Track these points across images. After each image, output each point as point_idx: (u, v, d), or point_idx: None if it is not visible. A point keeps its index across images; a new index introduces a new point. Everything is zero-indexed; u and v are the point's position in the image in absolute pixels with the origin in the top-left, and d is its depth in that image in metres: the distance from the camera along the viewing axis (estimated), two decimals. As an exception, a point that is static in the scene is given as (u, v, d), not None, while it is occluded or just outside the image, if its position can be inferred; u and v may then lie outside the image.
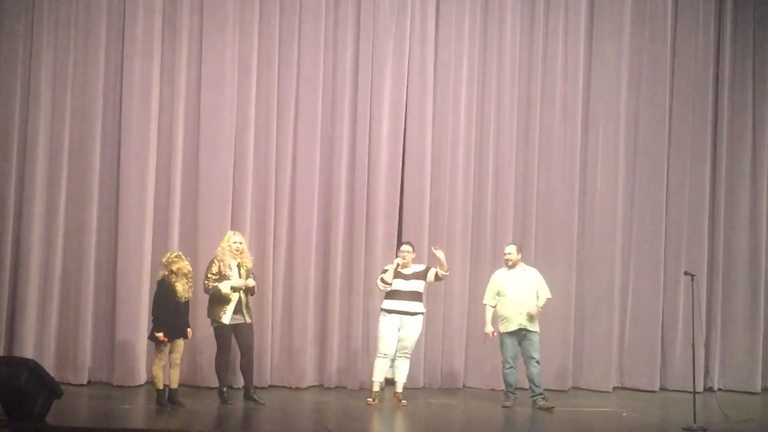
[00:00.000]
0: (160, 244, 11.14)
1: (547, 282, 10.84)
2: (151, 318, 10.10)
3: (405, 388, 10.70)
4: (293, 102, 11.69)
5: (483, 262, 11.94)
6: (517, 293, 10.63)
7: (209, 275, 10.19)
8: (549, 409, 10.48)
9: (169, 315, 9.83)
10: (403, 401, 10.53)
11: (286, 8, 11.68)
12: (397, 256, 10.64)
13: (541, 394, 10.62)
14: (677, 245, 12.44)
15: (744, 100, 12.75)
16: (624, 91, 12.46)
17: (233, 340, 10.32)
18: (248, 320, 10.31)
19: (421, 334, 10.83)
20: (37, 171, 11.03)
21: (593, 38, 12.48)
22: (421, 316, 10.57)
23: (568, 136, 12.32)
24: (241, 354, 10.36)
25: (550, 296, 10.80)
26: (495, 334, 10.67)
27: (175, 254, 10.10)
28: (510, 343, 10.63)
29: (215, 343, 10.35)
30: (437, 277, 10.65)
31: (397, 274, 10.47)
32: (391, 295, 10.45)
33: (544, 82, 12.33)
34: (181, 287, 9.90)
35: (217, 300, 10.17)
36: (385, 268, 10.62)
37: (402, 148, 11.95)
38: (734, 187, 12.64)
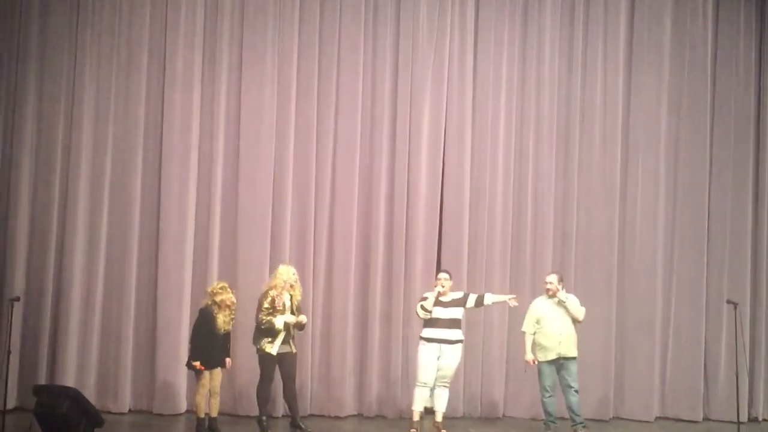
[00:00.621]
0: (200, 274, 11.24)
1: (587, 311, 10.73)
2: (189, 346, 10.15)
3: (444, 417, 10.62)
4: (332, 132, 11.77)
5: (522, 291, 11.84)
6: (557, 322, 10.56)
7: (264, 307, 10.20)
8: None
9: (208, 345, 9.88)
10: (443, 430, 10.47)
11: (325, 39, 11.78)
12: (435, 285, 10.62)
13: (582, 423, 10.52)
14: (719, 274, 12.30)
15: (785, 126, 12.64)
16: (664, 120, 12.39)
17: (276, 369, 10.35)
18: (293, 350, 10.34)
19: (460, 363, 10.78)
20: (78, 201, 11.19)
21: (632, 67, 12.42)
22: (460, 344, 10.53)
23: (607, 165, 12.27)
24: (284, 382, 10.38)
25: (581, 319, 10.67)
26: (535, 362, 10.60)
27: (221, 285, 10.16)
28: (548, 371, 10.55)
29: (257, 370, 10.39)
30: (478, 303, 10.61)
31: (437, 302, 10.43)
32: (431, 323, 10.41)
33: (583, 111, 12.30)
34: (222, 319, 9.95)
35: (267, 332, 10.19)
36: (425, 295, 10.59)
37: (441, 177, 11.96)
38: (776, 214, 12.50)
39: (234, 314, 10.15)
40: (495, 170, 12.08)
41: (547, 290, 10.71)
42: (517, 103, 12.23)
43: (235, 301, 10.14)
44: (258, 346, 10.27)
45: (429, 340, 10.39)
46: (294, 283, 10.36)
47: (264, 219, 11.48)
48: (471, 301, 10.59)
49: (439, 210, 11.94)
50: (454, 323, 10.46)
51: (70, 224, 11.18)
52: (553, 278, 10.75)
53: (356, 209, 11.74)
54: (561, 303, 10.56)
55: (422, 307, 10.40)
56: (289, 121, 11.65)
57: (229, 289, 10.13)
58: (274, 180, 11.57)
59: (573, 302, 10.63)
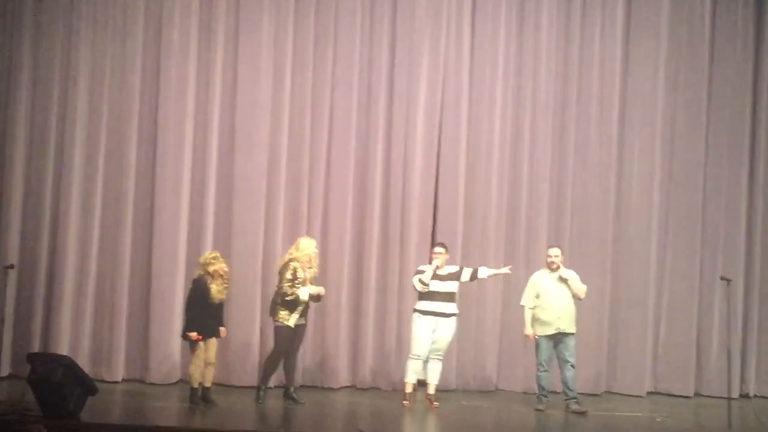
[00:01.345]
0: (195, 243, 11.23)
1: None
2: (184, 317, 10.15)
3: (437, 390, 10.68)
4: (328, 102, 11.73)
5: (516, 264, 11.85)
6: (557, 297, 10.56)
7: (287, 278, 10.15)
8: (582, 413, 10.42)
9: (202, 315, 9.88)
10: (435, 403, 10.52)
11: (321, 9, 11.72)
12: (432, 258, 10.60)
13: (574, 398, 10.56)
14: (713, 249, 12.32)
15: (783, 101, 12.63)
16: (661, 94, 12.36)
17: None
18: (305, 321, 10.40)
19: (454, 336, 10.80)
20: (73, 169, 11.17)
21: (630, 40, 12.38)
22: (455, 317, 10.55)
23: (603, 138, 12.24)
24: (290, 353, 10.36)
25: (582, 296, 10.69)
26: (534, 336, 10.60)
27: (213, 255, 10.13)
28: (546, 345, 10.55)
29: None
30: (473, 277, 10.63)
31: (434, 276, 10.44)
32: (427, 296, 10.42)
33: (580, 84, 12.26)
34: (215, 288, 9.94)
35: (289, 304, 10.16)
36: (420, 268, 10.59)
37: (436, 149, 11.94)
38: (772, 190, 12.51)
39: (227, 283, 10.13)
40: (491, 144, 12.05)
41: (551, 263, 10.65)
42: (514, 77, 12.19)
43: (227, 270, 10.12)
44: (275, 318, 10.25)
45: (425, 312, 10.40)
46: (314, 257, 10.34)
47: (258, 189, 11.46)
48: (466, 275, 10.60)
49: (434, 182, 11.93)
50: (450, 296, 10.48)
51: (64, 192, 11.15)
52: (558, 252, 10.71)
53: (351, 180, 11.72)
54: (562, 279, 10.55)
55: (420, 280, 10.40)
56: (284, 91, 11.60)
57: (221, 259, 10.11)
58: (269, 150, 11.53)
59: (574, 279, 10.63)
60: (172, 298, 11.06)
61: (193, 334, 9.80)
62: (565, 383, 10.57)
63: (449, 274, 10.54)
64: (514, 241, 12.02)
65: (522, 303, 10.74)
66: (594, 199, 12.18)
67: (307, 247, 10.34)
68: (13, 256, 10.99)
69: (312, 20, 11.69)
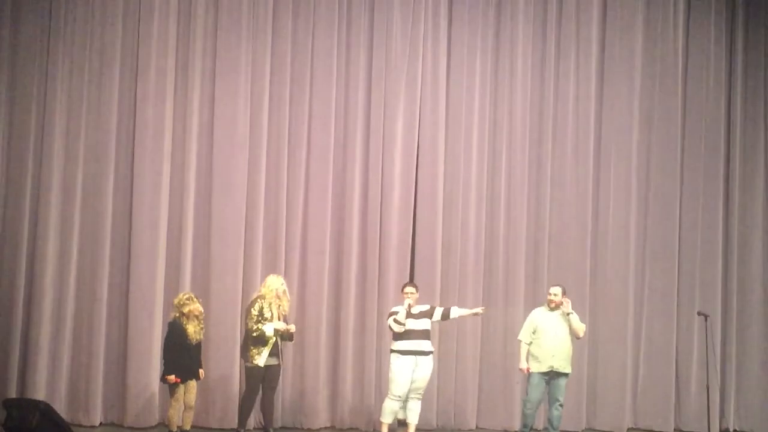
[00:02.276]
0: (173, 285, 11.15)
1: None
2: (162, 361, 10.08)
3: (417, 429, 10.64)
4: (305, 142, 11.73)
5: (495, 301, 11.93)
6: (553, 335, 10.48)
7: (252, 314, 10.15)
8: None
9: (181, 357, 9.81)
10: (416, 442, 10.51)
11: (298, 48, 11.75)
12: (404, 297, 10.55)
13: None
14: (690, 285, 12.40)
15: (756, 137, 12.78)
16: (636, 131, 12.49)
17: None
18: (280, 362, 10.32)
19: (432, 374, 10.76)
20: (50, 212, 11.06)
21: (604, 78, 12.52)
22: (432, 355, 10.52)
23: (579, 175, 12.33)
24: (263, 393, 10.34)
25: (581, 335, 10.62)
26: (528, 371, 10.53)
27: (187, 296, 10.08)
28: (538, 383, 10.44)
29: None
30: (444, 316, 10.61)
31: (407, 315, 10.40)
32: (404, 336, 10.37)
33: (555, 122, 12.36)
34: (192, 329, 9.88)
35: (256, 341, 10.14)
36: (394, 309, 10.58)
37: (414, 187, 11.97)
38: (747, 226, 12.62)
39: (202, 323, 10.08)
40: (468, 181, 12.10)
41: (550, 302, 10.62)
42: (489, 114, 12.28)
43: (202, 311, 10.07)
44: (245, 358, 10.23)
45: (404, 352, 10.35)
46: (282, 294, 10.31)
47: (237, 229, 11.42)
48: (437, 314, 10.59)
49: (412, 220, 11.95)
50: (425, 334, 10.46)
51: (41, 235, 11.05)
52: (557, 290, 10.65)
53: (329, 219, 11.71)
54: (565, 315, 10.48)
55: (395, 320, 10.37)
56: (261, 130, 11.60)
57: (195, 299, 10.05)
58: (247, 190, 11.51)
59: (575, 318, 10.60)
60: (150, 341, 10.97)
61: (171, 377, 9.73)
62: (551, 421, 10.51)
63: (421, 312, 10.52)
64: (492, 279, 12.05)
65: (519, 338, 10.64)
66: (571, 236, 12.24)
67: (272, 283, 10.34)
68: (-11, 300, 10.90)
69: (288, 59, 11.72)
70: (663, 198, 12.47)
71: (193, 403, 9.94)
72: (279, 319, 10.24)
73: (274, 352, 10.21)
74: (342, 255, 11.72)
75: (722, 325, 12.36)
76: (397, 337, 10.41)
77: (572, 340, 10.56)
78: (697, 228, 12.46)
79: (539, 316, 10.64)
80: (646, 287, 12.38)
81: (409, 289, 10.58)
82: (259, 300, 10.23)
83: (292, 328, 10.35)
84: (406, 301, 10.45)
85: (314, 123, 11.78)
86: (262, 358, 10.13)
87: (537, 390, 10.47)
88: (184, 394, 9.87)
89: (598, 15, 12.52)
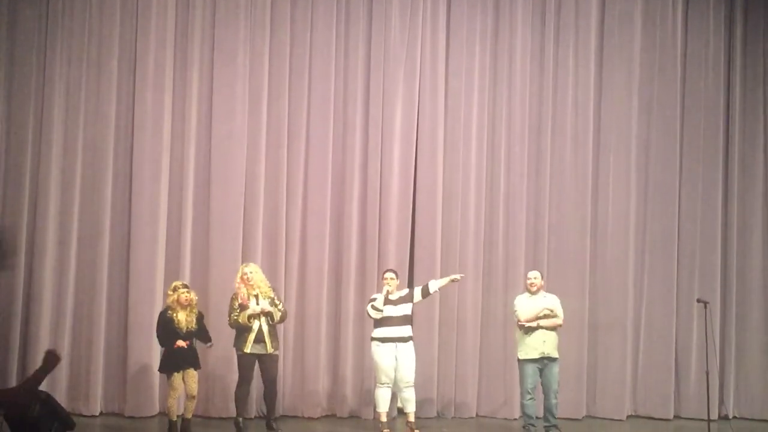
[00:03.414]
0: (172, 275, 11.16)
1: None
2: (161, 351, 10.17)
3: (417, 417, 10.66)
4: (304, 132, 11.75)
5: (495, 290, 11.94)
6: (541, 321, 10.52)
7: (232, 310, 10.24)
8: None
9: (172, 346, 9.87)
10: (416, 430, 10.49)
11: (296, 39, 11.77)
12: (383, 284, 10.51)
13: (555, 425, 10.51)
14: (690, 272, 12.39)
15: (755, 126, 12.73)
16: (635, 119, 12.47)
17: (257, 372, 10.35)
18: (271, 350, 10.27)
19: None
20: (49, 203, 11.11)
21: (603, 67, 12.50)
22: (412, 341, 10.49)
23: (579, 164, 12.33)
24: (265, 385, 10.40)
25: (561, 323, 10.67)
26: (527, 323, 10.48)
27: (172, 287, 10.13)
28: (531, 372, 10.44)
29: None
30: (424, 294, 10.58)
31: (386, 302, 10.40)
32: (383, 322, 10.34)
33: (554, 110, 12.36)
34: (183, 318, 9.91)
35: (240, 330, 10.21)
36: (373, 297, 10.59)
37: (413, 177, 11.98)
38: (747, 213, 12.59)
39: (196, 311, 10.08)
40: (467, 170, 12.10)
41: (530, 285, 10.61)
42: (489, 104, 12.27)
43: (193, 298, 10.06)
44: (236, 347, 10.29)
45: (384, 339, 10.33)
46: (251, 278, 10.26)
47: (236, 220, 11.45)
48: (417, 294, 10.58)
49: (411, 210, 11.96)
50: (405, 320, 10.45)
51: (40, 226, 11.09)
52: (537, 274, 10.68)
53: (329, 210, 11.73)
54: (537, 318, 10.46)
55: (373, 307, 10.37)
56: (260, 122, 11.62)
57: (180, 288, 10.04)
58: (246, 181, 11.54)
59: (555, 306, 10.56)
60: (150, 332, 10.92)
61: (181, 342, 9.78)
62: (549, 410, 10.49)
63: (400, 297, 10.49)
64: (491, 268, 12.05)
65: (520, 321, 10.56)
66: (571, 224, 12.24)
67: (239, 271, 10.37)
68: (-11, 292, 10.94)
69: (287, 51, 11.74)
70: (662, 186, 12.46)
71: (194, 392, 9.97)
72: (257, 304, 10.25)
73: (260, 339, 10.18)
74: (342, 244, 11.74)
75: (722, 312, 12.34)
76: (377, 324, 10.39)
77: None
78: (697, 216, 12.45)
79: (523, 302, 10.62)
80: (646, 275, 12.38)
81: (388, 274, 10.55)
82: (233, 297, 10.32)
83: (265, 307, 10.20)
84: (385, 288, 10.44)
85: (313, 113, 11.80)
86: (248, 344, 10.15)
87: (531, 379, 10.46)
88: (184, 383, 9.90)
89: (597, 3, 12.50)
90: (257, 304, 10.22)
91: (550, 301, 10.63)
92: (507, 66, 12.31)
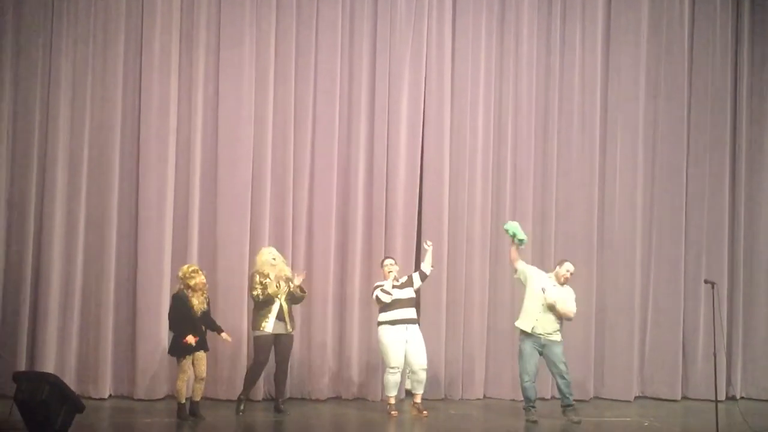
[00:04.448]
0: (180, 257, 11.18)
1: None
2: (171, 334, 10.17)
3: (425, 399, 10.74)
4: (310, 114, 11.73)
5: (502, 272, 11.91)
6: (545, 303, 10.45)
7: (255, 285, 10.35)
8: (577, 423, 10.38)
9: (187, 329, 9.88)
10: (424, 412, 10.56)
11: (302, 21, 11.73)
12: (387, 273, 10.65)
13: (570, 405, 10.49)
14: (697, 253, 12.38)
15: (762, 107, 12.70)
16: (642, 100, 12.43)
17: (272, 352, 10.42)
18: (290, 330, 10.41)
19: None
20: (56, 186, 11.12)
21: (610, 48, 12.46)
22: (418, 324, 10.68)
23: (586, 145, 12.30)
24: (277, 365, 10.46)
25: (571, 317, 10.62)
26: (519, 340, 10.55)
27: (192, 269, 10.14)
28: (529, 351, 10.42)
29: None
30: (422, 277, 10.77)
31: (392, 286, 10.60)
32: (391, 306, 10.50)
33: (561, 91, 12.32)
34: (196, 301, 9.95)
35: (260, 307, 10.32)
36: (378, 284, 10.70)
37: (420, 158, 11.96)
38: (754, 194, 12.58)
39: (207, 295, 10.14)
40: (474, 152, 12.08)
41: (564, 278, 10.57)
42: (495, 85, 12.24)
43: (206, 282, 10.14)
44: (255, 327, 10.38)
45: (394, 322, 10.48)
46: (274, 262, 10.41)
47: (243, 203, 11.45)
48: (417, 279, 10.81)
49: (418, 192, 11.95)
50: (411, 302, 10.68)
51: (48, 209, 11.10)
52: (572, 268, 10.62)
53: (335, 192, 11.72)
54: (550, 306, 10.44)
55: (383, 290, 10.51)
56: (267, 104, 11.60)
57: (200, 271, 10.13)
58: (252, 164, 11.53)
59: (567, 300, 10.52)
60: (158, 313, 11.01)
61: (189, 338, 9.79)
62: (560, 391, 10.51)
63: (402, 283, 10.71)
64: (499, 249, 12.02)
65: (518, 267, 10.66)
66: (578, 206, 12.22)
67: (262, 255, 10.54)
68: (-3, 275, 10.96)
69: (293, 32, 11.70)
70: (669, 167, 12.43)
71: (203, 374, 10.01)
72: (283, 282, 10.39)
73: (281, 317, 10.32)
74: (348, 229, 11.74)
75: (729, 292, 12.35)
76: (385, 308, 10.54)
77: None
78: (704, 196, 12.43)
79: (544, 280, 10.58)
80: (653, 256, 12.37)
81: (389, 261, 10.79)
82: (255, 274, 10.42)
83: (297, 281, 10.48)
84: (391, 275, 10.60)
85: (319, 96, 11.78)
86: (269, 323, 10.26)
87: (529, 361, 10.41)
88: (193, 366, 9.93)
89: (603, -16, 12.47)
90: (278, 285, 10.34)
91: (566, 294, 10.58)
92: (514, 47, 12.27)
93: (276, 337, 10.32)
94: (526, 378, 10.46)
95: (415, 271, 11.02)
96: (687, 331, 12.31)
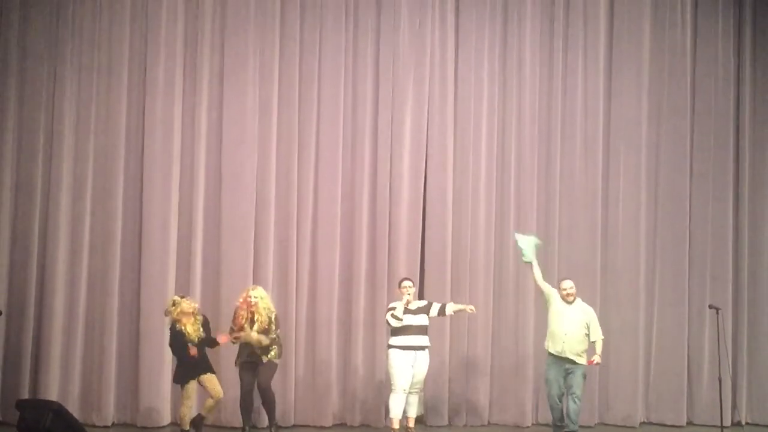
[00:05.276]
0: (183, 284, 11.20)
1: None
2: (174, 362, 10.23)
3: (429, 426, 10.75)
4: (314, 141, 11.75)
5: (506, 298, 11.92)
6: (567, 322, 10.52)
7: (231, 326, 10.32)
8: None
9: (187, 357, 9.93)
10: (415, 435, 10.60)
11: (306, 48, 11.77)
12: (402, 293, 10.59)
13: (575, 431, 10.54)
14: (701, 278, 12.36)
15: (765, 131, 12.68)
16: (644, 124, 12.44)
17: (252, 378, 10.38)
18: (268, 359, 10.30)
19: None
20: (60, 213, 11.13)
21: (612, 71, 12.47)
22: (428, 350, 10.63)
23: (589, 169, 12.31)
24: (259, 392, 10.38)
25: (602, 337, 10.68)
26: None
27: (171, 301, 10.18)
28: (554, 374, 10.52)
29: (238, 380, 10.47)
30: (440, 312, 10.70)
31: (405, 311, 10.52)
32: (402, 331, 10.46)
33: (564, 116, 12.33)
34: (191, 328, 9.96)
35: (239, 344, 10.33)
36: (391, 305, 10.66)
37: (423, 183, 11.97)
38: (757, 218, 12.55)
39: (199, 317, 10.11)
40: (477, 176, 12.08)
41: (567, 295, 10.65)
42: (498, 109, 12.25)
43: (194, 305, 10.14)
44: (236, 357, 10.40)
45: (404, 348, 10.45)
46: (254, 303, 10.23)
47: (247, 228, 11.45)
48: (434, 310, 10.69)
49: (421, 216, 11.95)
50: (423, 329, 10.58)
51: (51, 236, 11.11)
52: (571, 283, 10.72)
53: (339, 217, 11.72)
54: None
55: (393, 315, 10.47)
56: (270, 130, 11.63)
57: (179, 301, 10.08)
58: (256, 189, 11.54)
59: (591, 320, 10.67)
60: (162, 340, 10.96)
61: (192, 350, 9.88)
62: (568, 415, 10.55)
63: (419, 308, 10.64)
64: (502, 274, 12.03)
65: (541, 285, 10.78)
66: (581, 230, 12.22)
67: (245, 292, 10.36)
68: (1, 302, 10.91)
69: (297, 58, 11.73)
70: (673, 191, 12.43)
71: (220, 394, 10.09)
72: (258, 326, 10.21)
73: (253, 353, 10.27)
74: (352, 251, 11.73)
75: (733, 317, 12.30)
76: (396, 332, 10.50)
77: (585, 333, 10.57)
78: (708, 221, 12.42)
79: (557, 302, 10.67)
80: (657, 281, 12.34)
81: (406, 283, 10.69)
82: (237, 309, 10.36)
83: (264, 340, 10.24)
84: (405, 297, 10.54)
85: (323, 120, 11.80)
86: (242, 357, 10.30)
87: (555, 385, 10.52)
88: (205, 388, 10.00)
89: (605, 8, 12.48)
90: (251, 329, 10.21)
91: (587, 315, 10.64)
92: (516, 71, 12.30)
93: (251, 365, 10.27)
94: (551, 402, 10.61)
95: (439, 303, 10.85)
96: (692, 357, 12.26)
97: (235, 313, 10.31)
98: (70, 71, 11.29)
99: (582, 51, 12.40)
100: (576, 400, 10.48)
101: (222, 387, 10.88)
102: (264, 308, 10.26)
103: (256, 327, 10.19)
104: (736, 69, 12.69)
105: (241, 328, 10.18)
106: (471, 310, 10.78)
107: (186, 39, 11.54)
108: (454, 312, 10.78)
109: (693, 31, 12.64)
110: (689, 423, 12.14)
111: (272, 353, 10.31)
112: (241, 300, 10.32)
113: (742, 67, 12.68)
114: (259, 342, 10.19)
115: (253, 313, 10.19)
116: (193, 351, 9.85)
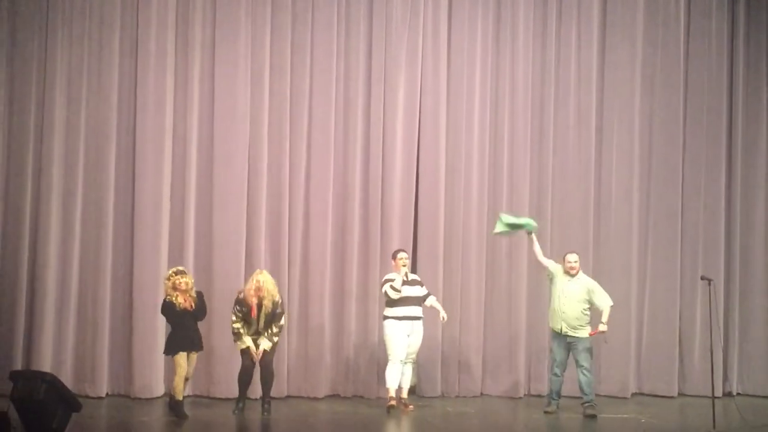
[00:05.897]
0: (176, 256, 11.18)
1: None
2: (166, 333, 10.29)
3: (422, 396, 10.79)
4: (306, 112, 11.71)
5: (498, 269, 11.95)
6: (566, 300, 10.64)
7: (236, 309, 10.24)
8: (592, 417, 10.56)
9: (178, 330, 9.99)
10: (410, 406, 10.65)
11: (298, 19, 11.70)
12: (401, 264, 10.64)
13: (589, 401, 10.68)
14: (693, 250, 12.40)
15: (758, 103, 12.73)
16: (638, 97, 12.44)
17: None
18: (271, 344, 10.27)
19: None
20: (52, 186, 11.07)
21: (606, 44, 12.47)
22: (422, 320, 10.71)
23: (582, 142, 12.31)
24: (260, 370, 10.37)
25: (610, 303, 10.78)
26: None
27: (166, 275, 10.21)
28: (556, 346, 10.73)
29: (233, 354, 10.54)
30: (425, 298, 10.84)
31: (403, 282, 10.59)
32: (400, 302, 10.54)
33: (557, 88, 12.33)
34: (181, 299, 10.00)
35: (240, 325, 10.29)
36: (388, 276, 10.70)
37: (416, 155, 11.96)
38: (749, 190, 12.60)
39: (193, 292, 10.12)
40: (470, 149, 12.08)
41: (571, 268, 10.75)
42: (491, 81, 12.24)
43: (188, 281, 10.12)
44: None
45: (400, 318, 10.53)
46: (261, 287, 10.18)
47: (239, 201, 11.43)
48: (423, 290, 10.84)
49: (414, 189, 11.94)
50: (419, 300, 10.71)
51: (43, 209, 11.06)
52: (576, 257, 10.82)
53: (332, 188, 11.71)
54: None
55: (392, 287, 10.52)
56: (262, 101, 11.58)
57: (174, 276, 10.07)
58: (248, 160, 11.50)
59: (599, 294, 10.77)
60: (155, 312, 10.93)
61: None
62: (580, 387, 10.72)
63: (414, 280, 10.76)
64: (495, 248, 12.04)
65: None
66: (574, 203, 12.24)
67: (253, 279, 10.28)
68: (-8, 274, 10.94)
69: (289, 30, 11.67)
70: (665, 163, 12.45)
71: (190, 374, 10.10)
72: (264, 310, 10.20)
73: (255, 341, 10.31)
74: (345, 223, 11.73)
75: (725, 289, 12.38)
76: (393, 303, 10.57)
77: (584, 308, 10.66)
78: (700, 192, 12.45)
79: (560, 277, 10.77)
80: (649, 252, 12.38)
81: (402, 254, 10.77)
82: (240, 295, 10.28)
83: (267, 346, 10.24)
84: (403, 269, 10.58)
85: (315, 92, 11.75)
86: (245, 343, 10.24)
87: (557, 355, 10.72)
88: (187, 364, 9.99)
89: (599, -21, 12.47)
90: (260, 315, 10.20)
91: (589, 287, 10.75)
92: (509, 43, 12.27)
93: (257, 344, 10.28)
94: (554, 370, 10.76)
95: (427, 291, 10.92)
96: (683, 328, 12.33)
97: (241, 300, 10.24)
98: (61, 42, 11.16)
99: (575, 22, 12.39)
100: (585, 372, 10.63)
101: (218, 361, 10.96)
102: (270, 289, 10.23)
103: (263, 313, 10.20)
104: (730, 41, 12.70)
105: (251, 312, 10.17)
106: (443, 318, 10.86)
107: (177, 9, 11.40)
108: (430, 306, 10.85)
109: (686, 2, 12.61)
110: (681, 394, 12.24)
111: (276, 339, 10.35)
112: (252, 290, 10.20)
113: (735, 38, 12.71)
114: (274, 344, 10.29)
115: (261, 298, 10.18)
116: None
